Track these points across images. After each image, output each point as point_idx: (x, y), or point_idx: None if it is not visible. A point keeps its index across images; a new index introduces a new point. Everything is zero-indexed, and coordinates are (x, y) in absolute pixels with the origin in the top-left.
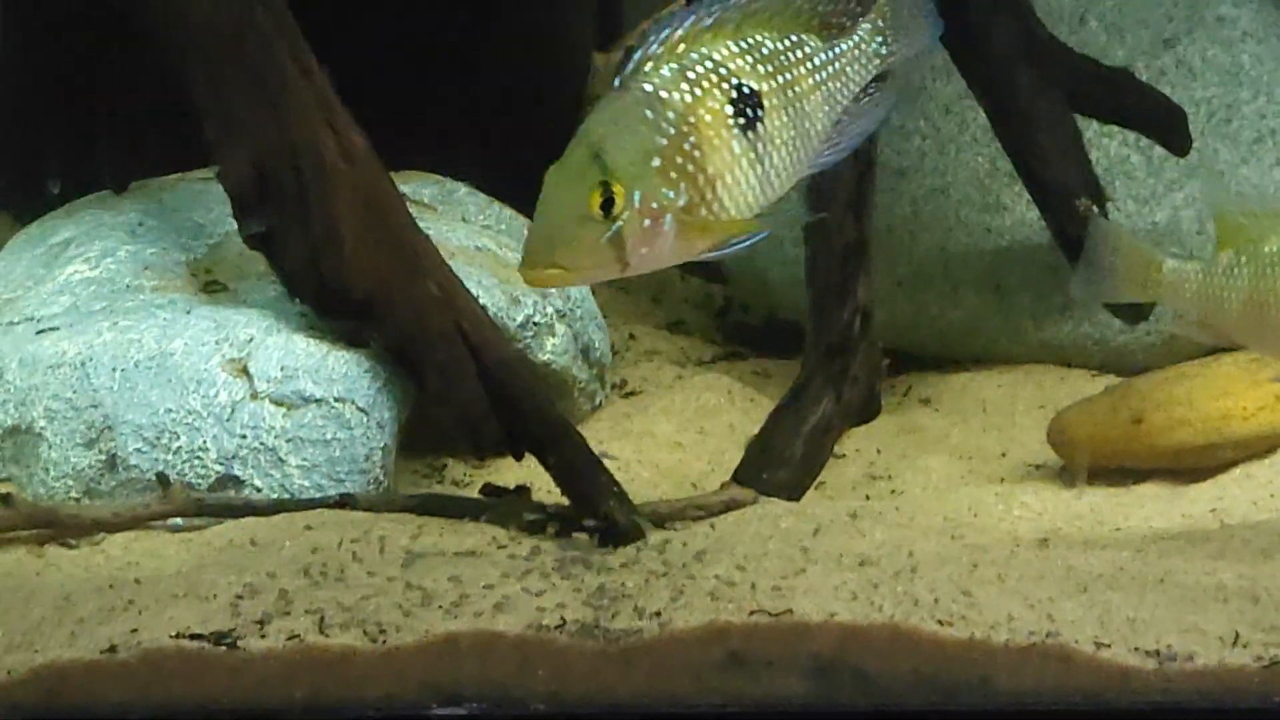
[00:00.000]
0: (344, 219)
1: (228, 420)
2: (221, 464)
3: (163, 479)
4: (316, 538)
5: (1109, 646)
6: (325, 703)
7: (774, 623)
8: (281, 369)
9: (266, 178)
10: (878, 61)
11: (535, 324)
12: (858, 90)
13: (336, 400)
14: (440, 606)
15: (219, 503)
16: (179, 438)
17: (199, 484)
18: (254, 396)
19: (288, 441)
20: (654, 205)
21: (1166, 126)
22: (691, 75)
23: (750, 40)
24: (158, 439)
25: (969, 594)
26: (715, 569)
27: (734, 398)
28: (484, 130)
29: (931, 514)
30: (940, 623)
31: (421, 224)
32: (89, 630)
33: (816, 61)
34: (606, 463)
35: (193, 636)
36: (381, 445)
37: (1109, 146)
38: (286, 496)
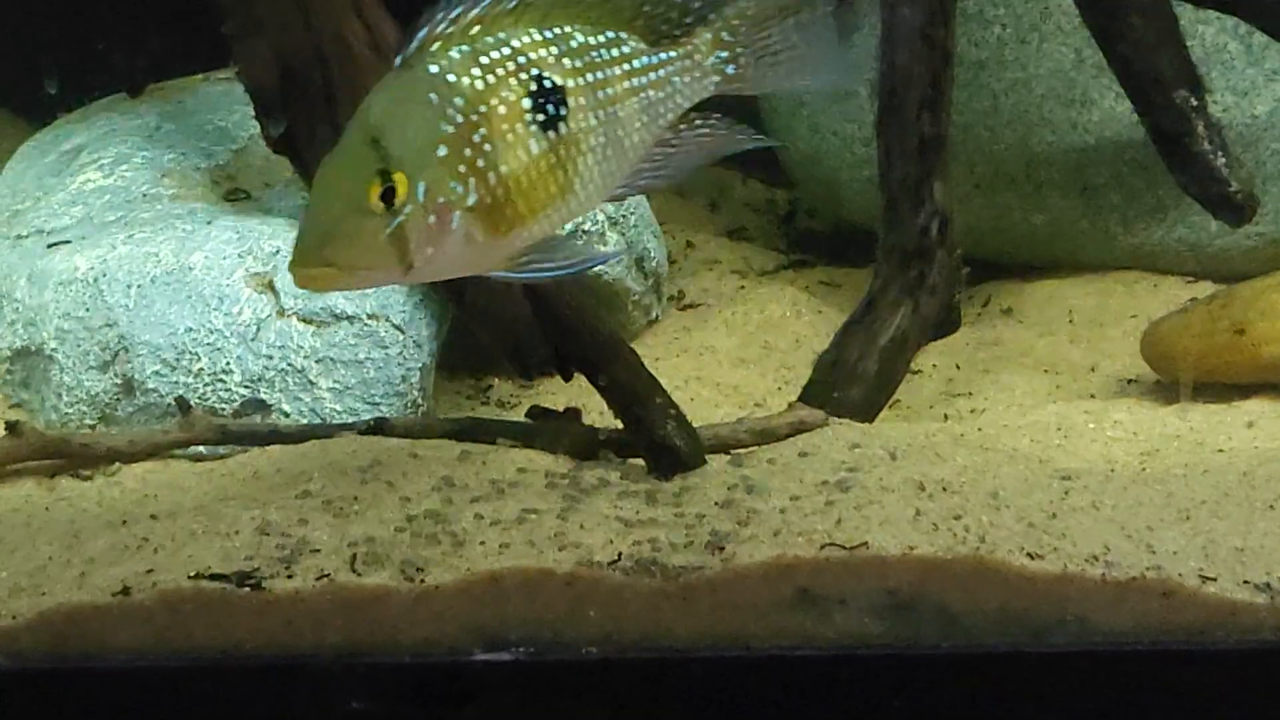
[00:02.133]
0: None
1: (253, 340)
2: (246, 387)
3: (183, 404)
4: (349, 467)
5: (1215, 580)
6: (358, 648)
7: (848, 557)
8: None
9: (290, 73)
10: (716, 79)
11: (585, 232)
12: (687, 105)
13: (370, 317)
14: (483, 542)
15: (243, 429)
16: (200, 359)
17: (222, 409)
18: (281, 314)
19: (318, 362)
20: (440, 200)
21: (1269, 11)
22: (485, 60)
23: (558, 30)
24: (177, 360)
25: (1061, 523)
26: (783, 498)
27: (800, 310)
28: None
29: (1017, 435)
30: (1030, 555)
31: None
32: (100, 570)
33: (635, 64)
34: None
35: (213, 577)
36: (419, 365)
37: (1205, 34)
38: (317, 422)
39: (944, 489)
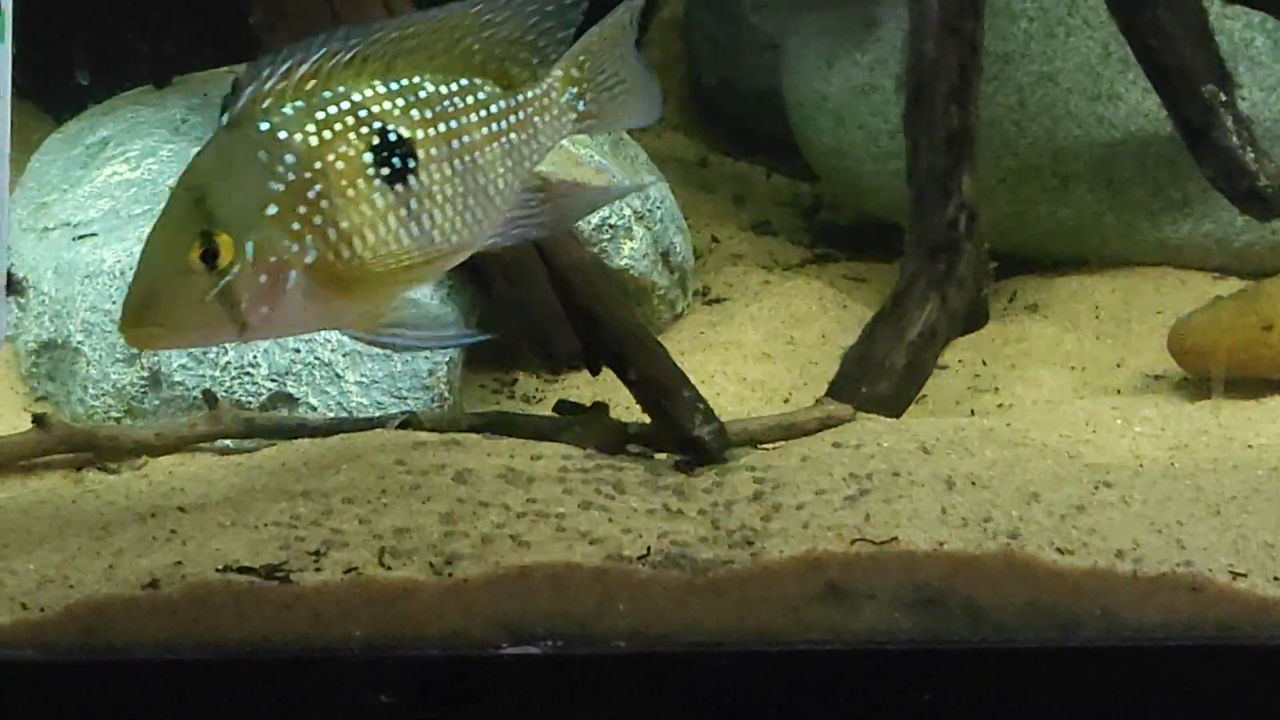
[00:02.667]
0: None
1: None
2: (273, 380)
3: (209, 397)
4: (376, 460)
5: (1245, 576)
6: (386, 641)
7: (877, 552)
8: None
9: None
10: (573, 116)
11: (612, 226)
12: (550, 145)
13: None
14: (511, 535)
15: (270, 423)
16: (227, 352)
17: (249, 402)
18: None
19: (344, 356)
20: (273, 259)
21: None
22: (321, 116)
23: (405, 81)
24: (203, 353)
25: (1090, 519)
26: (811, 493)
27: (826, 304)
28: None
29: (1045, 430)
30: (1060, 550)
31: None
32: (128, 563)
33: (493, 109)
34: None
35: (241, 570)
36: (446, 359)
37: (1232, 29)
38: (343, 415)
39: (973, 484)
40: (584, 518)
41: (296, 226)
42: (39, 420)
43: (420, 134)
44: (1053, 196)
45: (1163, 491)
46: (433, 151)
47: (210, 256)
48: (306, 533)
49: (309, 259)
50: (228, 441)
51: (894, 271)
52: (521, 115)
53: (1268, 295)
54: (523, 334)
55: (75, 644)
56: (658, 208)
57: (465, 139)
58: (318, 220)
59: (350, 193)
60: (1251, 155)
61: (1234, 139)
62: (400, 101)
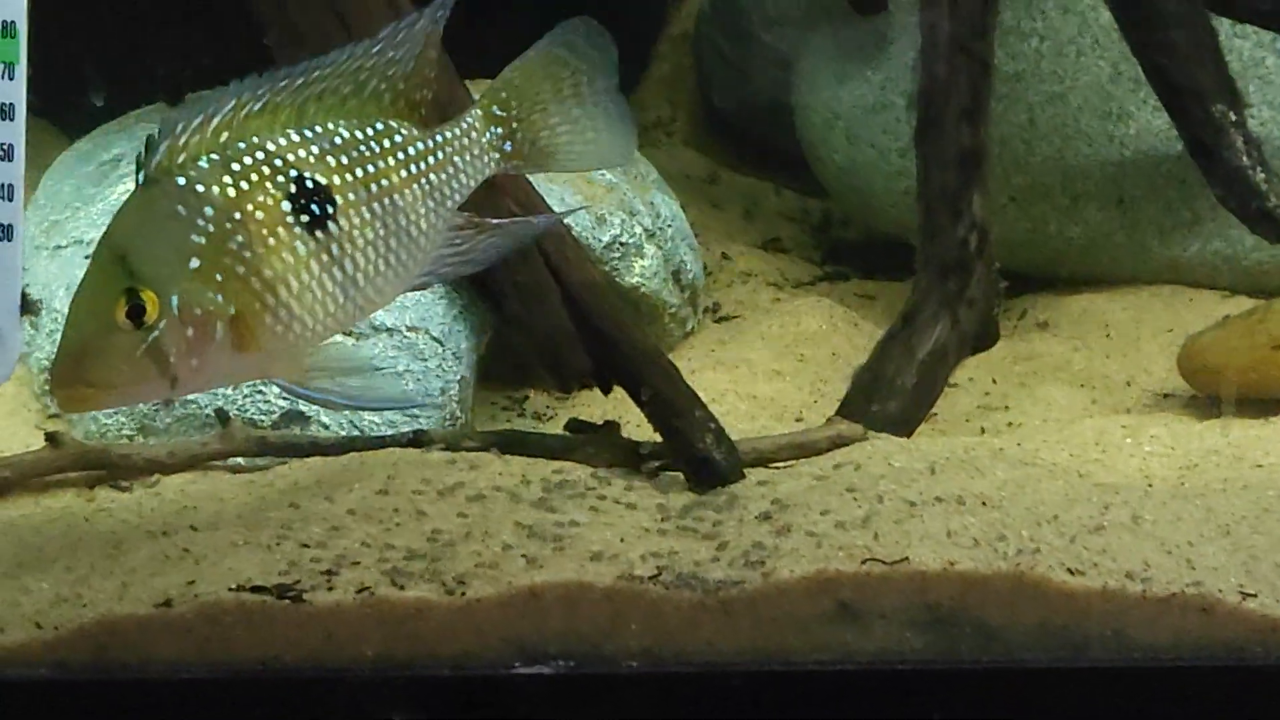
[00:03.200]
0: None
1: None
2: (285, 399)
3: (222, 415)
4: (388, 479)
5: (1255, 596)
6: (398, 661)
7: (888, 572)
8: None
9: None
10: (495, 155)
11: (623, 244)
12: (473, 184)
13: (409, 329)
14: (523, 555)
15: (282, 441)
16: None
17: (261, 421)
18: None
19: None
20: (198, 311)
21: None
22: (236, 167)
23: (318, 128)
24: None
25: (1101, 539)
26: (822, 512)
27: (837, 322)
28: None
29: (1054, 449)
30: (1070, 571)
31: None
32: (141, 582)
33: (411, 151)
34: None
35: (254, 589)
36: (458, 377)
37: (1242, 48)
38: (355, 434)
39: (984, 504)
40: (595, 537)
41: (220, 278)
42: (52, 438)
43: (337, 179)
44: (1063, 215)
45: (1173, 512)
46: (350, 196)
47: (136, 313)
48: (319, 552)
49: (234, 309)
50: (240, 460)
51: (905, 290)
52: (441, 155)
53: (1277, 314)
54: (534, 352)
55: (88, 663)
56: (668, 225)
57: (384, 182)
58: (240, 270)
59: (271, 241)
60: (1262, 175)
61: (1244, 159)
62: (315, 148)
